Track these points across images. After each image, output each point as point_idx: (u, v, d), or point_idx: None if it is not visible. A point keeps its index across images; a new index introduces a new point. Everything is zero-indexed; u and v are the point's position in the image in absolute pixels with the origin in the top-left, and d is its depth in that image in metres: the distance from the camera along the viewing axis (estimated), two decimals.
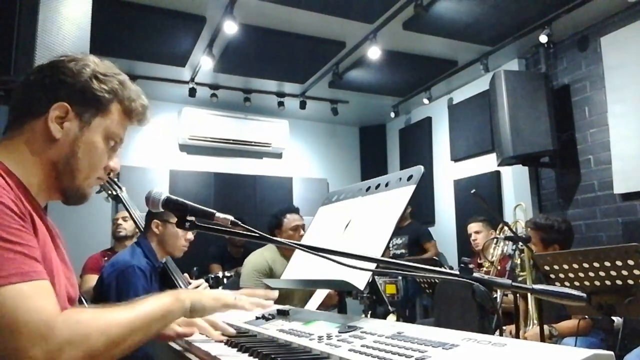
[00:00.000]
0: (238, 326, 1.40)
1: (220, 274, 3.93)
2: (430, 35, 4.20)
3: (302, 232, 3.17)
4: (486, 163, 4.96)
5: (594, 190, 4.06)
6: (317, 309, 2.00)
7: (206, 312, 1.14)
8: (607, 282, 1.86)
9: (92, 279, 3.32)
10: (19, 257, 0.82)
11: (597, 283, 1.89)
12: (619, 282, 1.83)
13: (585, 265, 1.90)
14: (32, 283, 0.82)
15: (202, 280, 2.58)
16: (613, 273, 1.82)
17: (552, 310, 2.61)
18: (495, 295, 2.77)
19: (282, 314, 1.42)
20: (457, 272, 1.01)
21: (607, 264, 1.82)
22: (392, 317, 2.91)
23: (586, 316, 2.45)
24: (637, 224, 3.69)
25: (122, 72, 1.10)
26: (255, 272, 3.09)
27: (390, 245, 5.06)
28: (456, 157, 5.46)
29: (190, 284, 2.50)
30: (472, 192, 2.25)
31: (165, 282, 2.45)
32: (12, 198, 0.88)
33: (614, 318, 2.02)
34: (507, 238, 3.03)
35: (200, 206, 1.09)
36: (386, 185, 1.41)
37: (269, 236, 1.09)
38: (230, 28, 3.74)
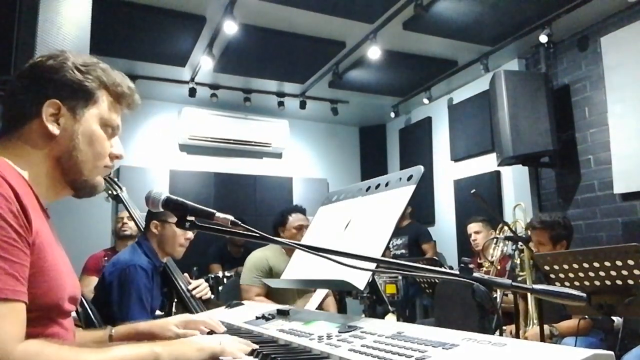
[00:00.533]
0: (238, 326, 1.40)
1: (220, 274, 3.93)
2: (430, 35, 4.20)
3: (305, 232, 3.18)
4: (486, 163, 4.96)
5: (594, 190, 4.06)
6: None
7: None
8: (607, 282, 1.86)
9: (91, 280, 3.32)
10: None
11: (597, 283, 1.89)
12: (619, 282, 1.82)
13: (585, 265, 1.90)
14: (3, 303, 0.80)
15: (201, 280, 2.58)
16: (613, 273, 1.82)
17: (553, 310, 2.61)
18: (495, 295, 2.77)
19: (282, 313, 1.42)
20: (457, 272, 1.01)
21: (607, 264, 1.82)
22: (392, 317, 2.91)
23: (586, 316, 2.45)
24: (637, 224, 3.68)
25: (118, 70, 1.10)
26: (255, 270, 3.10)
27: (391, 245, 5.05)
28: (456, 157, 5.45)
29: (190, 284, 2.50)
30: (472, 192, 2.25)
31: (166, 283, 2.45)
32: (12, 209, 0.85)
33: (614, 318, 2.01)
34: (507, 238, 3.02)
35: (200, 206, 1.09)
36: (386, 185, 1.42)
37: (268, 236, 1.09)
38: (230, 28, 3.74)
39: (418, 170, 1.33)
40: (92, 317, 2.00)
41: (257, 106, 5.67)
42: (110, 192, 2.63)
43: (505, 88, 4.06)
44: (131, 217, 2.69)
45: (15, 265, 0.83)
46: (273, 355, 0.97)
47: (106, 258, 3.48)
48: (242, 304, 1.86)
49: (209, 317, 1.40)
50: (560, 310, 2.59)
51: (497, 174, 4.86)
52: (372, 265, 1.15)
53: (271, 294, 3.08)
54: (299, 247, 1.14)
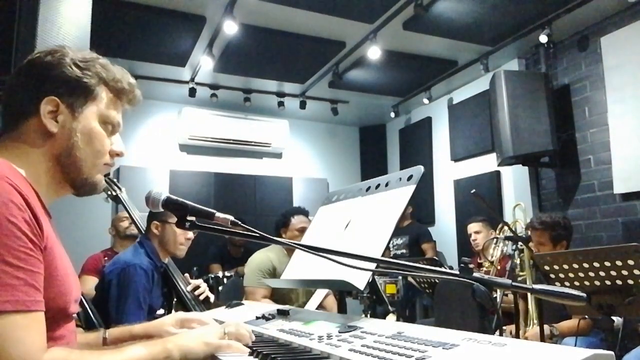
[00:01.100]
0: None
1: (220, 274, 3.92)
2: (430, 35, 4.20)
3: None
4: (486, 163, 4.96)
5: (594, 190, 4.05)
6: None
7: (200, 358, 1.03)
8: (607, 282, 1.86)
9: (90, 280, 3.32)
10: (18, 284, 0.80)
11: (597, 283, 1.89)
12: (619, 282, 1.83)
13: (585, 265, 1.90)
14: (27, 314, 0.81)
15: (200, 281, 2.58)
16: (613, 273, 1.82)
17: (553, 310, 2.61)
18: (495, 295, 2.77)
19: (282, 313, 1.42)
20: (457, 272, 1.01)
21: (607, 264, 1.82)
22: (392, 317, 2.92)
23: (586, 316, 2.45)
24: (637, 224, 3.68)
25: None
26: (259, 271, 3.09)
27: (391, 245, 5.06)
28: (456, 157, 5.45)
29: (190, 284, 2.50)
30: (472, 192, 2.26)
31: (166, 283, 2.45)
32: (25, 218, 0.84)
33: (614, 318, 2.01)
34: (507, 238, 3.03)
35: (200, 206, 1.09)
36: (386, 185, 1.42)
37: (268, 236, 1.09)
38: (230, 28, 3.74)
39: (418, 170, 1.33)
40: (93, 317, 2.01)
41: (257, 106, 5.68)
42: (109, 192, 2.63)
43: (505, 88, 4.06)
44: (130, 218, 2.69)
45: (34, 274, 0.83)
46: (273, 355, 0.97)
47: (106, 258, 3.48)
48: (242, 304, 1.86)
49: (203, 315, 1.40)
50: (560, 310, 2.59)
51: (497, 174, 4.86)
52: (372, 265, 1.15)
53: (276, 295, 3.07)
54: (299, 247, 1.14)
